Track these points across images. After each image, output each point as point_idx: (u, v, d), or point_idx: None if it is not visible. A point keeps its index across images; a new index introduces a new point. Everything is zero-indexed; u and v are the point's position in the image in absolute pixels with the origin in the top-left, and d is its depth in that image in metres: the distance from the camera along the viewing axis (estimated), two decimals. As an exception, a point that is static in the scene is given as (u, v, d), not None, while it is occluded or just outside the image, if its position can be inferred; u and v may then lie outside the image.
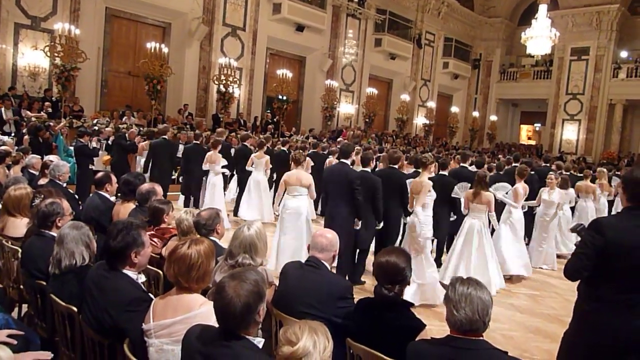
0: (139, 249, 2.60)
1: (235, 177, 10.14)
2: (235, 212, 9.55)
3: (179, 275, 2.31)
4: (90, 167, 8.99)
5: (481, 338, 2.09)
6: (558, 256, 7.79)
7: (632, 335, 2.49)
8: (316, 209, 10.42)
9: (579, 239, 2.88)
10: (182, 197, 9.50)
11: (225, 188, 9.58)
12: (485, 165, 8.65)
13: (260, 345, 1.93)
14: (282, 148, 10.31)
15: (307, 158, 9.28)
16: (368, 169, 6.01)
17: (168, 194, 9.17)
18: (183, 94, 16.16)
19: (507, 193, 6.97)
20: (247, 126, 16.53)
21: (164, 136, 9.24)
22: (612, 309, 2.53)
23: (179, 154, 9.71)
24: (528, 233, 7.79)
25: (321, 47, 20.24)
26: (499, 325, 5.03)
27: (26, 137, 9.30)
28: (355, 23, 21.21)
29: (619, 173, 12.59)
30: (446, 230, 6.99)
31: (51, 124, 10.34)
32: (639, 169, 2.65)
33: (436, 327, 4.49)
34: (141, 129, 12.34)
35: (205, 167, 8.81)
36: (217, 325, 1.99)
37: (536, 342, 4.65)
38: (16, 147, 8.45)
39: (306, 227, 6.14)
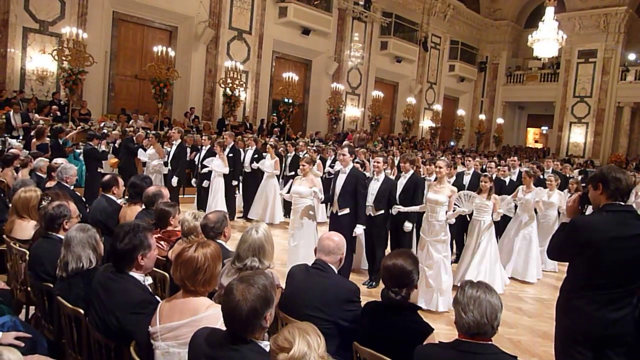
0: (145, 251, 2.59)
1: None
2: (245, 214, 9.68)
3: (185, 278, 2.30)
4: (99, 170, 9.03)
5: (490, 342, 2.07)
6: None
7: (610, 328, 2.61)
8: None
9: None
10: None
11: (234, 191, 9.62)
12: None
13: (268, 349, 1.91)
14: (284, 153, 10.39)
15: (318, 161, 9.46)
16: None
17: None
18: (189, 97, 16.23)
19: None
20: (253, 129, 16.56)
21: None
22: (593, 303, 2.64)
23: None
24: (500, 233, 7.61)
25: (327, 51, 20.27)
26: (506, 329, 5.00)
27: (34, 140, 9.36)
28: (361, 26, 21.22)
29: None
30: (455, 232, 6.99)
31: (62, 127, 10.41)
32: (613, 168, 2.76)
33: (444, 331, 4.46)
34: (148, 131, 12.39)
35: (205, 169, 8.87)
36: (223, 328, 1.99)
37: (544, 347, 4.60)
38: (26, 152, 8.50)
39: (312, 231, 6.18)
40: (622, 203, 2.69)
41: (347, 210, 5.81)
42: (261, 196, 9.44)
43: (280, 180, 10.07)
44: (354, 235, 5.82)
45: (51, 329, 3.08)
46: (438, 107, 24.66)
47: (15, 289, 3.75)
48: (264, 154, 9.78)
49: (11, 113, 10.94)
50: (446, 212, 5.49)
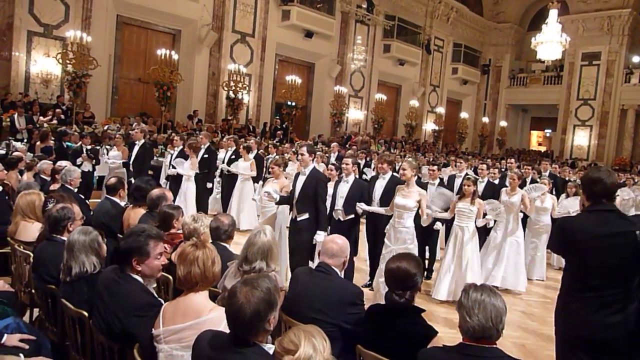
0: (141, 257, 2.56)
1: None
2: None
3: (196, 276, 2.34)
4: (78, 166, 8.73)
5: (494, 346, 2.06)
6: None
7: (606, 332, 2.63)
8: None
9: None
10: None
11: (209, 194, 9.29)
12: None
13: (271, 352, 1.91)
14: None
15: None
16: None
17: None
18: (193, 100, 16.28)
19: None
20: (256, 132, 16.59)
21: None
22: (587, 307, 2.66)
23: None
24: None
25: (330, 53, 20.30)
26: (510, 333, 4.96)
27: (38, 143, 9.40)
28: (364, 29, 21.25)
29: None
30: (437, 239, 6.91)
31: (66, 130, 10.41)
32: (595, 170, 2.84)
33: (447, 334, 4.44)
34: (115, 132, 12.27)
35: (172, 171, 8.34)
36: (227, 331, 1.99)
37: (548, 351, 4.56)
38: (32, 155, 8.51)
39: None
40: (604, 203, 2.73)
41: (306, 215, 5.26)
42: (232, 200, 8.89)
43: (259, 183, 9.44)
44: (314, 242, 5.21)
45: (55, 331, 3.08)
46: (441, 109, 24.65)
47: (19, 291, 3.76)
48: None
49: (15, 116, 11.00)
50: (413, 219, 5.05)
